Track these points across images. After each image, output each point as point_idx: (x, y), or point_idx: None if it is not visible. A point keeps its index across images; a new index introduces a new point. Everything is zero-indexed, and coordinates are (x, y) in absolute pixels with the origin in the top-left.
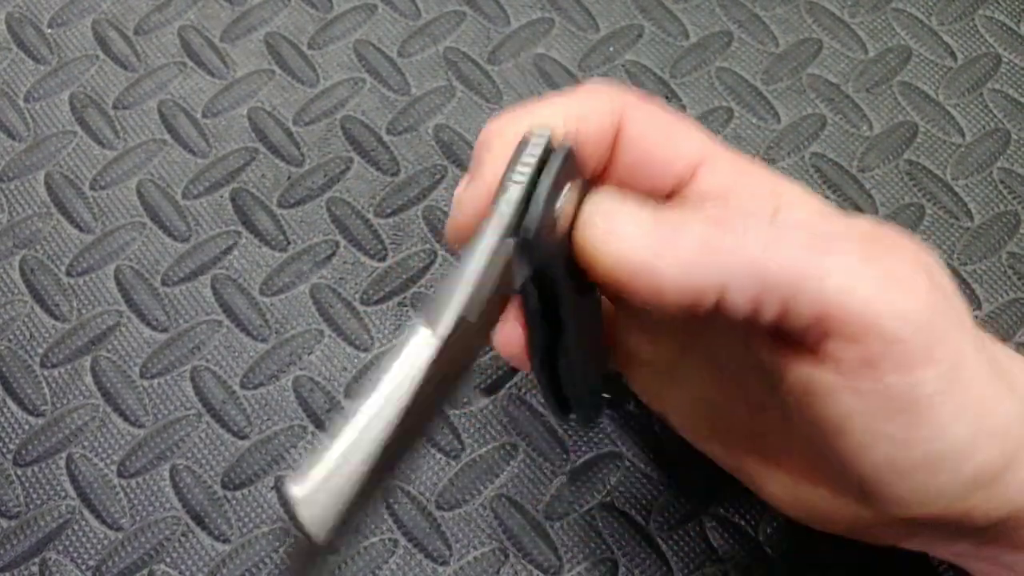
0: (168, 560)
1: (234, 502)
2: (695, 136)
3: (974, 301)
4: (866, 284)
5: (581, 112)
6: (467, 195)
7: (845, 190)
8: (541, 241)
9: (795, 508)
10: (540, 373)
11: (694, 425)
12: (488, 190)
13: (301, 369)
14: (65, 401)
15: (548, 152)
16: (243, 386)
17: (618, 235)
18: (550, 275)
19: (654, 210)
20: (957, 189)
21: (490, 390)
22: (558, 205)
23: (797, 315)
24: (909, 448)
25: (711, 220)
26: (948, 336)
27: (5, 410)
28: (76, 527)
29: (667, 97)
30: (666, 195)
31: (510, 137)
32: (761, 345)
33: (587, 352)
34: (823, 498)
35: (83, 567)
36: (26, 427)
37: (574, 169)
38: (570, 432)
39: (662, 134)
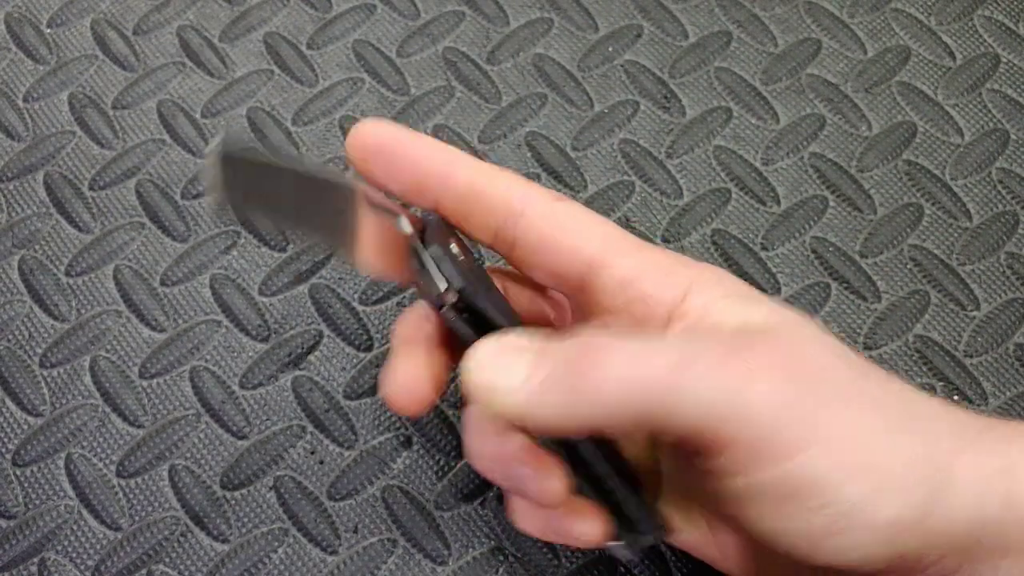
0: (167, 560)
1: (233, 502)
2: (597, 230)
3: (972, 301)
4: (715, 401)
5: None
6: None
7: (844, 190)
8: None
9: None
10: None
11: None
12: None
13: (300, 369)
14: (64, 401)
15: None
16: (242, 386)
17: (498, 390)
18: None
19: (529, 354)
20: (956, 189)
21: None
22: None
23: (665, 435)
24: (814, 516)
25: (571, 363)
26: (820, 414)
27: (4, 410)
28: (75, 527)
29: (666, 97)
30: (576, 285)
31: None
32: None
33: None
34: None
35: (82, 567)
36: (25, 427)
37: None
38: None
39: (563, 225)
